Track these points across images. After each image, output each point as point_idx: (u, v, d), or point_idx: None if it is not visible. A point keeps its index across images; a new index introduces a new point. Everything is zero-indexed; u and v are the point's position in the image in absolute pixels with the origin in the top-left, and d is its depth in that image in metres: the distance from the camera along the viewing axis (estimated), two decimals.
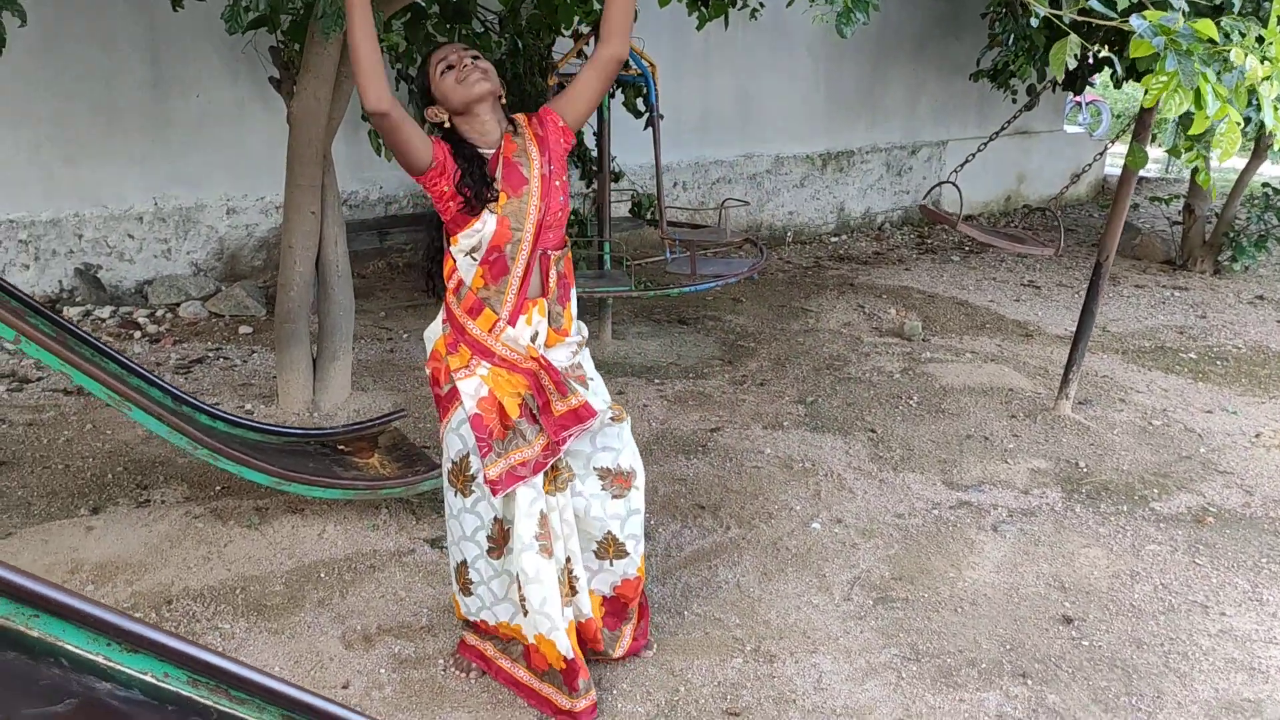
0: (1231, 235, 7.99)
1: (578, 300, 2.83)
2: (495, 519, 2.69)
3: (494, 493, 2.59)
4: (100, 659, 1.46)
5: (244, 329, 5.95)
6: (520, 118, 2.65)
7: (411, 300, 6.59)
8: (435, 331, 2.75)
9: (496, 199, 2.55)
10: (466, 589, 2.81)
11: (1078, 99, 15.32)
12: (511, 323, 2.60)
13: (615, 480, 2.80)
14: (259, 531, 3.62)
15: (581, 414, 2.62)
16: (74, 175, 5.97)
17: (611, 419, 2.77)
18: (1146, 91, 2.42)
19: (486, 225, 2.55)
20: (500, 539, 2.71)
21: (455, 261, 2.64)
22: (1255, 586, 3.53)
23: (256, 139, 6.47)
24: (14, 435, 4.35)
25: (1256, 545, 3.81)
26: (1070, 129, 12.72)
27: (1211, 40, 2.33)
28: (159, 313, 6.09)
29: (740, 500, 4.06)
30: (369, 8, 2.37)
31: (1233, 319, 6.94)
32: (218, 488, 3.92)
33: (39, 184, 5.88)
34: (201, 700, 1.55)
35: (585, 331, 2.83)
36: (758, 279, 7.37)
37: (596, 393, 2.73)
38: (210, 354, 5.52)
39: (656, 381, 5.37)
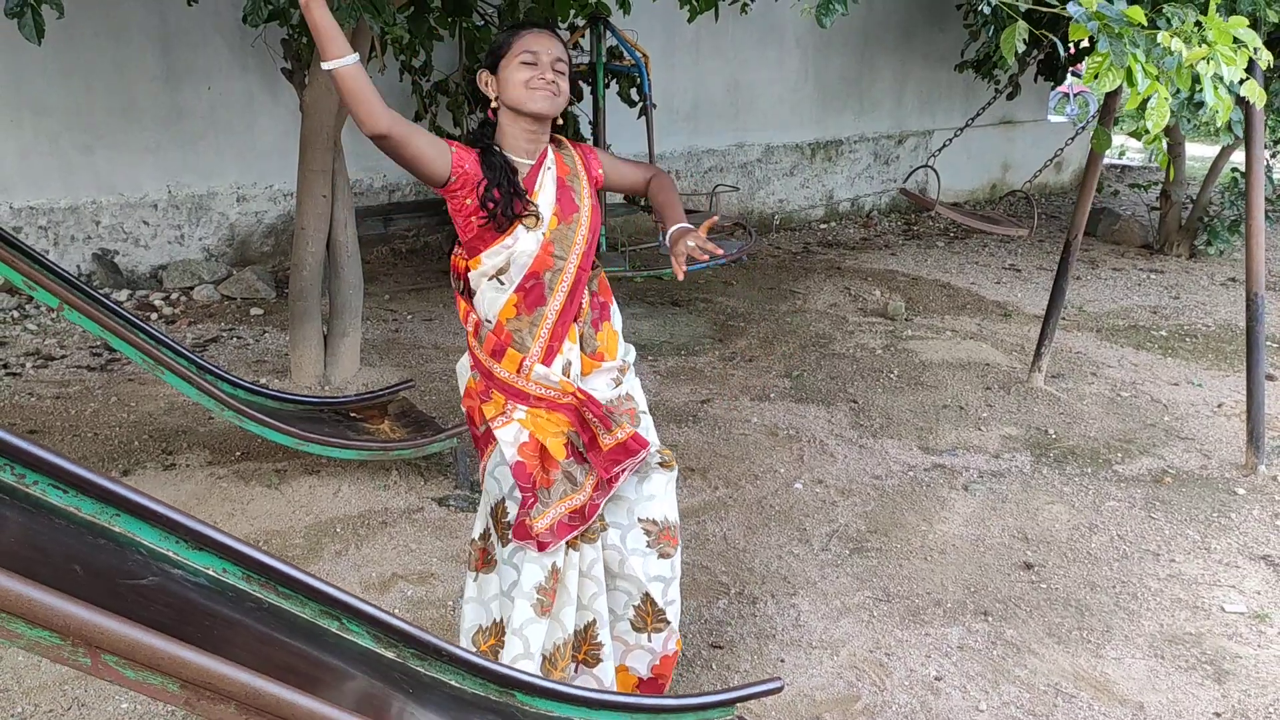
0: (1206, 220, 8.26)
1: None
2: (554, 566, 2.33)
3: (540, 549, 2.27)
4: (171, 554, 1.74)
5: (255, 311, 6.21)
6: (567, 141, 2.46)
7: (415, 284, 6.86)
8: (466, 367, 2.50)
9: (533, 216, 2.30)
10: (494, 653, 2.32)
11: (1065, 90, 15.59)
12: (545, 361, 2.36)
13: (662, 536, 2.47)
14: (279, 491, 3.89)
15: (631, 446, 2.36)
16: (91, 164, 6.23)
17: (660, 464, 2.49)
18: (1087, 71, 2.68)
19: (519, 242, 2.28)
20: (554, 592, 2.34)
21: (474, 295, 2.38)
22: (1205, 537, 3.80)
23: (265, 129, 6.74)
24: (43, 407, 4.61)
25: (1210, 502, 4.08)
26: (1056, 119, 12.97)
27: (1142, 25, 2.59)
28: (173, 296, 6.35)
29: (728, 464, 4.33)
30: (338, 34, 2.06)
31: (1205, 299, 7.21)
32: (238, 453, 4.19)
33: (58, 173, 6.14)
34: (254, 593, 1.83)
35: (631, 356, 2.55)
36: (748, 262, 7.64)
37: (648, 429, 2.50)
38: (224, 334, 5.78)
39: (650, 358, 5.63)
